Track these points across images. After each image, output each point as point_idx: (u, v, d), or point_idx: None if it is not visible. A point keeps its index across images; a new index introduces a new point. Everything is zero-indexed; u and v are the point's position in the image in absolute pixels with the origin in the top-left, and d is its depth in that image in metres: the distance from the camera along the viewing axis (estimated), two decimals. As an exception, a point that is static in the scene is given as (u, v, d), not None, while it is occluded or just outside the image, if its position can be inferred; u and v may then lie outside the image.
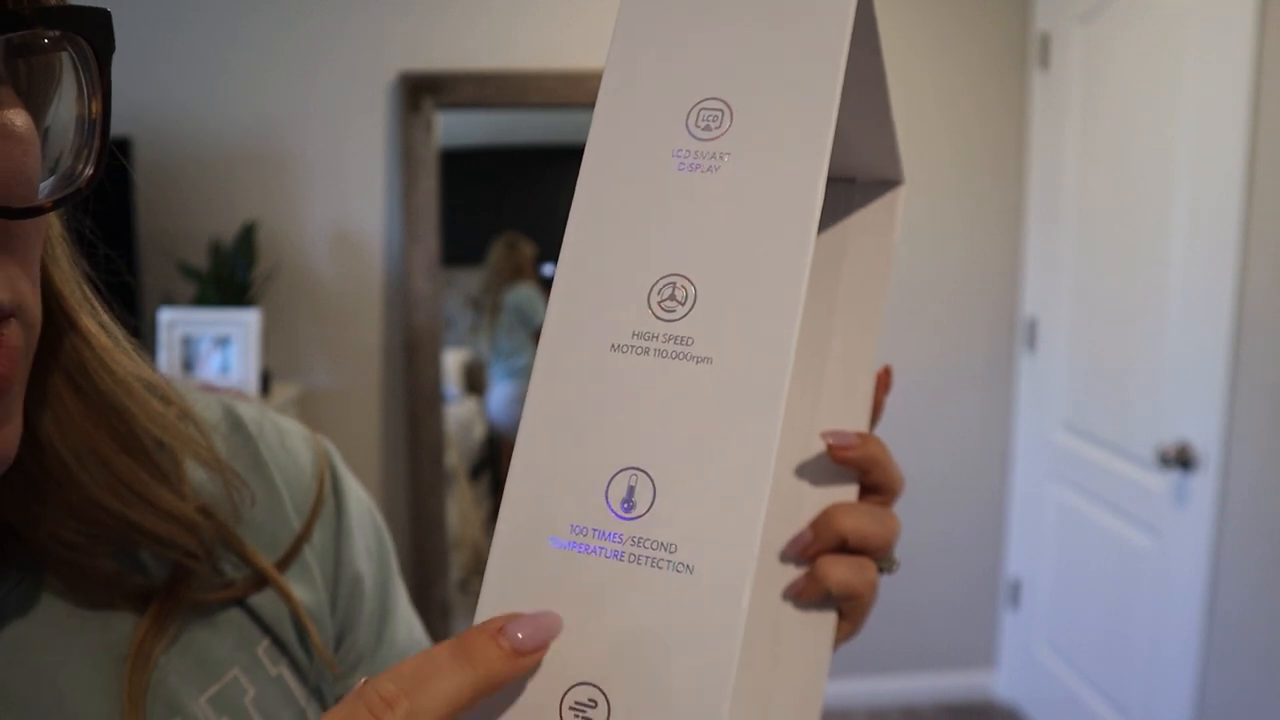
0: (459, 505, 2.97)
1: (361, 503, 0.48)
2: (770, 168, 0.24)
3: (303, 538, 0.43)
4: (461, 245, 3.08)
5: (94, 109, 0.29)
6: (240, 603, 0.40)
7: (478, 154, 3.52)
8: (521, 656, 0.22)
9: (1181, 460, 1.60)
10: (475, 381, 3.87)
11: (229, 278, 1.90)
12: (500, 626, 0.22)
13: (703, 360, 0.23)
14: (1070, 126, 1.99)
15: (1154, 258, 1.70)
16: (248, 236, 1.92)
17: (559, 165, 3.73)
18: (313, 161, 2.01)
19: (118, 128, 1.90)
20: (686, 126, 0.25)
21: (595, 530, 0.23)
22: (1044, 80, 2.08)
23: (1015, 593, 2.26)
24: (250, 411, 0.45)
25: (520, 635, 0.22)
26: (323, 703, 0.43)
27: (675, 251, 0.25)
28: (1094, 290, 1.92)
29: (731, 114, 0.25)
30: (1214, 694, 1.59)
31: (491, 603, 0.23)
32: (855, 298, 0.38)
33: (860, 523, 0.35)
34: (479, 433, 3.69)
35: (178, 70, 1.96)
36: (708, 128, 0.25)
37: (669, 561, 0.22)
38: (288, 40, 1.98)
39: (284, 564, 0.42)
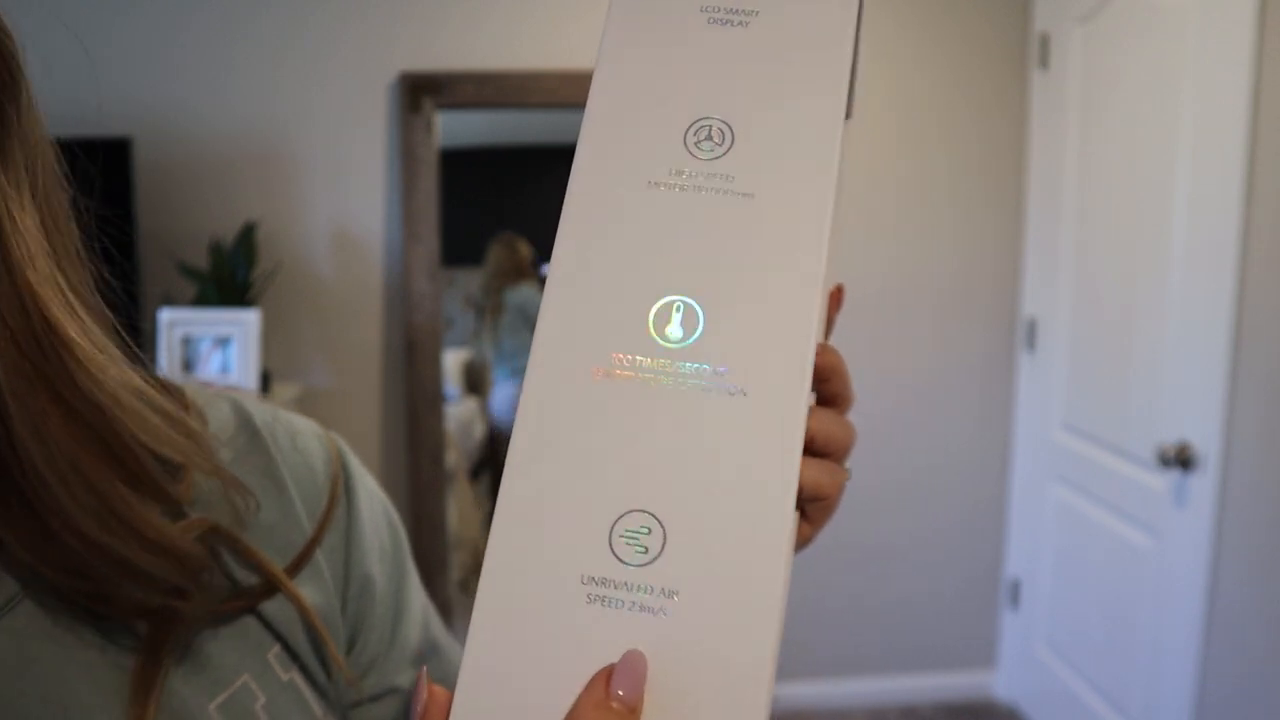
0: (459, 505, 2.97)
1: (375, 501, 0.47)
2: (801, 19, 0.25)
3: (315, 541, 0.42)
4: (461, 245, 3.07)
5: None
6: (252, 609, 0.39)
7: (478, 154, 3.51)
8: (634, 713, 0.21)
9: (1181, 460, 1.60)
10: (475, 381, 3.87)
11: (229, 278, 1.90)
12: (602, 695, 0.21)
13: (745, 195, 0.23)
14: (1070, 126, 1.99)
15: (1154, 257, 1.70)
16: (248, 236, 1.92)
17: (560, 165, 3.70)
18: (313, 161, 2.02)
19: (118, 128, 1.90)
20: None
21: (640, 358, 0.22)
22: (1043, 80, 2.08)
23: (1015, 592, 2.26)
24: (262, 413, 0.43)
25: (622, 692, 0.21)
26: (334, 709, 0.41)
27: (710, 94, 0.24)
28: (1094, 290, 1.92)
29: None
30: (1214, 693, 1.59)
31: (529, 436, 0.23)
32: None
33: (824, 424, 0.33)
34: (479, 433, 3.69)
35: (178, 70, 1.96)
36: None
37: (722, 387, 0.22)
38: (288, 41, 1.98)
39: (295, 568, 0.41)
